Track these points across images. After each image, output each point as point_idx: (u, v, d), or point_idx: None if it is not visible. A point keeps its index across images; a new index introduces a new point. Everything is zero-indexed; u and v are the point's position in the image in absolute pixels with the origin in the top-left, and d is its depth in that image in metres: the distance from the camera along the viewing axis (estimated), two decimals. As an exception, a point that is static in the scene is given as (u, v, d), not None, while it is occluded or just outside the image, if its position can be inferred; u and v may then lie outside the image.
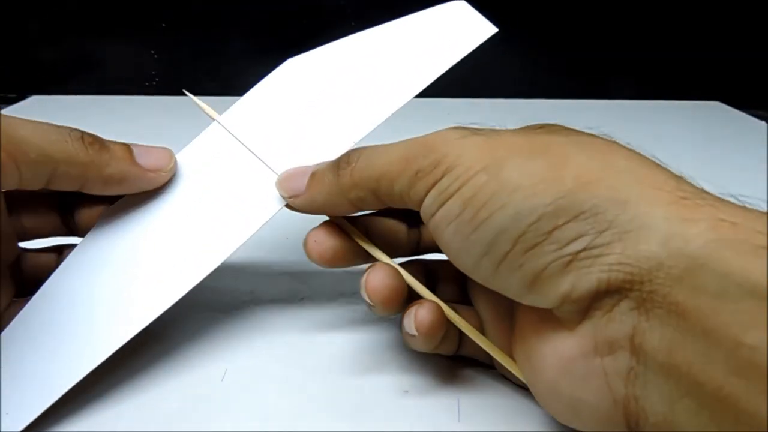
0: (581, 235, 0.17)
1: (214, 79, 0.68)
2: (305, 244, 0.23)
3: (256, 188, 0.25)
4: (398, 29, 0.28)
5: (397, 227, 0.25)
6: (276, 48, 0.66)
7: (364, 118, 0.26)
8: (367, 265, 0.23)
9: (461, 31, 0.27)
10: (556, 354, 0.19)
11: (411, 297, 0.23)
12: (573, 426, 0.20)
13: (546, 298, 0.18)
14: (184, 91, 0.28)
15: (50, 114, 0.60)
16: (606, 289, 0.17)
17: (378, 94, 0.26)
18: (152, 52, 0.67)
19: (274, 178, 0.25)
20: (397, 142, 0.22)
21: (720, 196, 0.17)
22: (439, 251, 0.22)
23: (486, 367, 0.25)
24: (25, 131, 0.21)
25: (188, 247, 0.24)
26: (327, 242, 0.23)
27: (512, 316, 0.22)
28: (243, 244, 0.24)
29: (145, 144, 0.24)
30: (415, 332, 0.22)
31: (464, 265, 0.20)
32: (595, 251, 0.17)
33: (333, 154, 0.24)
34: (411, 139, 0.21)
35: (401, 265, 0.24)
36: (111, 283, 0.23)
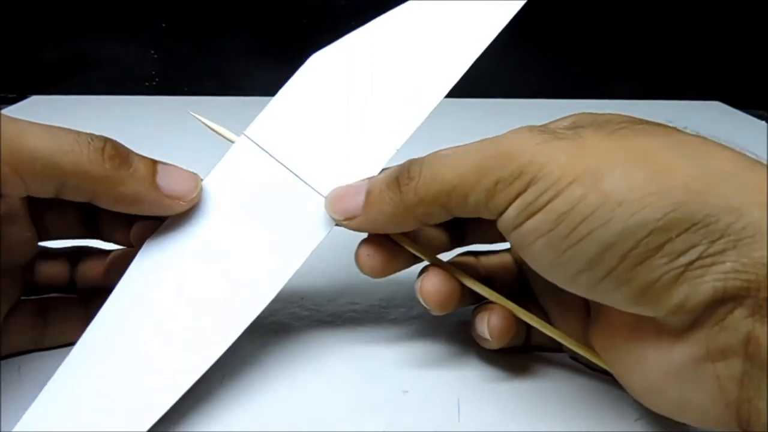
0: (693, 246, 0.17)
1: (214, 79, 0.68)
2: (357, 257, 0.23)
3: (300, 211, 0.23)
4: (425, 10, 0.25)
5: (440, 237, 0.24)
6: (276, 48, 0.66)
7: (402, 117, 0.24)
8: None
9: (488, 7, 0.25)
10: (662, 359, 0.19)
11: (467, 290, 0.23)
12: (679, 420, 0.19)
13: (656, 308, 0.18)
14: (194, 115, 0.25)
15: (50, 114, 0.60)
16: (722, 297, 0.17)
17: (413, 87, 0.24)
18: (152, 52, 0.67)
19: (316, 196, 0.23)
20: (460, 147, 0.20)
21: None
22: None
23: (485, 366, 0.25)
24: (36, 140, 0.19)
25: (238, 286, 0.22)
26: (378, 255, 0.23)
27: (587, 310, 0.23)
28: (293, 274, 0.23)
29: (172, 163, 0.22)
30: (488, 337, 0.23)
31: (557, 278, 0.19)
32: (708, 260, 0.17)
33: (375, 164, 0.23)
34: (481, 145, 0.20)
35: (454, 263, 0.24)
36: (156, 337, 0.21)
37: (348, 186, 0.23)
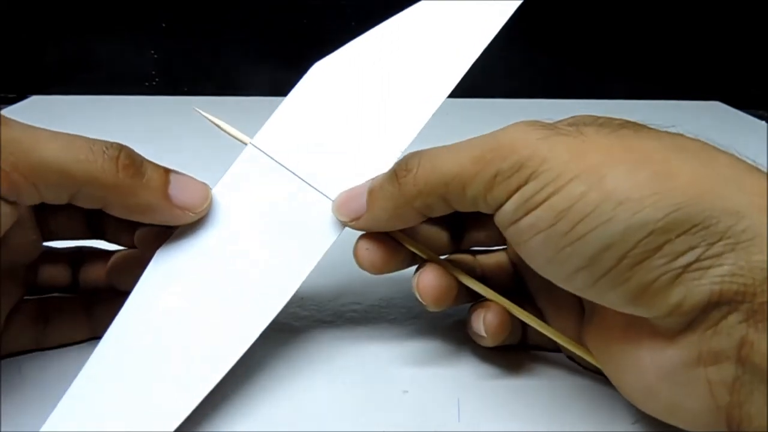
0: (692, 248, 0.17)
1: (214, 79, 0.68)
2: (356, 252, 0.23)
3: (309, 216, 0.23)
4: (422, 14, 0.25)
5: (439, 234, 0.24)
6: (276, 48, 0.66)
7: (406, 119, 0.24)
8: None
9: (486, 7, 0.25)
10: (655, 361, 0.19)
11: (463, 287, 0.23)
12: (669, 422, 0.19)
13: (651, 310, 0.18)
14: (200, 111, 0.24)
15: (50, 114, 0.60)
16: (717, 300, 0.17)
17: (416, 90, 0.24)
18: (152, 51, 0.67)
19: (325, 201, 0.23)
20: (460, 142, 0.20)
21: None
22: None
23: (485, 366, 0.25)
24: (51, 149, 0.19)
25: (251, 292, 0.22)
26: (377, 250, 0.23)
27: (582, 309, 0.23)
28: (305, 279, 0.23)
29: (184, 173, 0.22)
30: (484, 334, 0.23)
31: (554, 275, 0.19)
32: (706, 263, 0.16)
33: (382, 167, 0.23)
34: (480, 139, 0.20)
35: (451, 260, 0.24)
36: (176, 342, 0.22)
37: (353, 188, 0.23)
